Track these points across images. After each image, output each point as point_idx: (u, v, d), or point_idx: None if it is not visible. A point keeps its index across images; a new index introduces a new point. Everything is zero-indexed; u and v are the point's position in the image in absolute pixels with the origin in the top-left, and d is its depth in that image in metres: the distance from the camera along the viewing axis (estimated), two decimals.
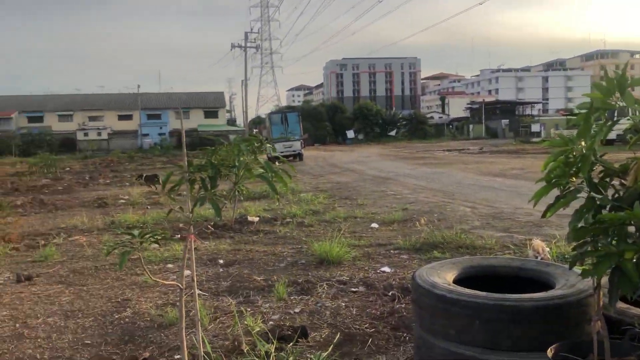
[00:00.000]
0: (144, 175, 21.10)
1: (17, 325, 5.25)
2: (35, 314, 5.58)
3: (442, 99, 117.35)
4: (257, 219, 10.91)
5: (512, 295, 3.15)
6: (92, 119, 69.66)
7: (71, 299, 6.08)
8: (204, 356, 3.84)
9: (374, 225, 9.99)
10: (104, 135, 67.11)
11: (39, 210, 14.24)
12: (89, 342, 4.79)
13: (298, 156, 35.13)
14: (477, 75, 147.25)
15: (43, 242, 9.40)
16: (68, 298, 6.13)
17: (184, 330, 3.73)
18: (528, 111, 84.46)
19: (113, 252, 3.47)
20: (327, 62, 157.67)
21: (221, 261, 7.59)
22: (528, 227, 9.26)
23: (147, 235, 3.57)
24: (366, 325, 4.84)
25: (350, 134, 75.84)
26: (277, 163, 4.38)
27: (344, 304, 5.47)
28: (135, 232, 3.50)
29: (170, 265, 7.47)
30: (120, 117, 70.44)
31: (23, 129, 64.83)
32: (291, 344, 4.30)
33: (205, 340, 4.07)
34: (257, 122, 77.16)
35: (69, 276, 7.14)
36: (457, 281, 3.62)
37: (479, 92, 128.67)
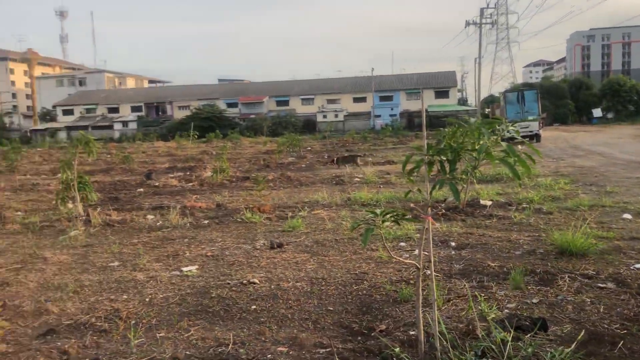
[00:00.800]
0: (337, 157, 22.10)
1: (272, 286, 5.97)
2: (286, 278, 6.27)
3: None
4: (490, 202, 10.59)
5: None
6: (330, 101, 74.58)
7: (315, 268, 6.69)
8: (438, 336, 3.91)
9: (627, 216, 8.93)
10: (340, 117, 71.32)
11: (286, 185, 15.86)
12: (331, 308, 5.23)
13: (535, 137, 32.81)
14: None
15: (290, 214, 10.46)
16: (313, 266, 6.76)
17: (420, 308, 3.85)
18: None
19: (355, 229, 3.71)
20: (572, 34, 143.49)
21: (453, 244, 7.58)
22: None
23: (388, 215, 3.75)
24: (616, 326, 4.40)
25: (597, 112, 68.29)
26: (520, 146, 4.21)
27: (589, 300, 5.04)
28: (378, 211, 3.71)
29: (402, 244, 7.71)
30: (355, 100, 74.06)
31: (272, 111, 72.34)
32: (529, 335, 4.12)
33: (440, 321, 4.14)
34: (490, 101, 73.92)
35: (313, 246, 7.86)
36: None
37: None
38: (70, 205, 11.67)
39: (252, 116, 70.18)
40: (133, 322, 5.05)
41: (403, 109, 70.97)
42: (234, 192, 14.62)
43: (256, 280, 6.16)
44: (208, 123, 62.59)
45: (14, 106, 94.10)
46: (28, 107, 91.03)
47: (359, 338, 4.48)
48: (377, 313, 5.04)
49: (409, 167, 4.03)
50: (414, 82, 73.73)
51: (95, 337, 4.74)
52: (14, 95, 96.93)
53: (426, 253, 4.33)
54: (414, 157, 4.09)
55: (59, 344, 4.59)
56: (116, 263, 7.36)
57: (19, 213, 12.10)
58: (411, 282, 5.80)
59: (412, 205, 10.35)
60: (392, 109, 71.30)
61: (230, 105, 73.33)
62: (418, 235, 7.96)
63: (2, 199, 15.15)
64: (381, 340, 4.25)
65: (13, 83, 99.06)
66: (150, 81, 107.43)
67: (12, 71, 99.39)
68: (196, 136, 44.20)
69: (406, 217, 3.84)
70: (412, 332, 4.40)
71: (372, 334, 4.51)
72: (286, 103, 75.29)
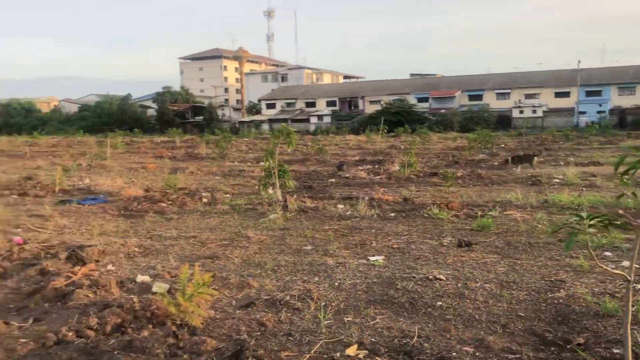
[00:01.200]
0: (512, 157, 20.37)
1: (459, 285, 5.84)
2: (474, 278, 6.09)
3: None
4: None
5: None
6: (527, 96, 70.16)
7: (506, 270, 6.38)
8: None
9: None
10: (539, 113, 66.77)
11: (476, 183, 15.33)
12: (522, 314, 4.95)
13: None
14: None
15: (480, 213, 10.09)
16: (503, 269, 6.45)
17: (629, 325, 3.47)
18: None
19: (555, 232, 3.46)
20: None
21: None
22: None
23: (596, 219, 3.43)
24: None
25: None
26: None
27: None
28: (584, 214, 3.41)
29: (608, 253, 6.98)
30: (557, 95, 68.63)
31: (464, 106, 70.39)
32: None
33: None
34: None
35: (503, 248, 7.50)
36: None
37: None
38: (270, 190, 12.69)
39: (443, 111, 69.05)
40: (323, 303, 5.33)
41: (613, 105, 63.97)
42: (420, 187, 14.56)
43: (442, 277, 6.08)
44: (397, 118, 63.13)
45: (226, 100, 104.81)
46: (237, 100, 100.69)
47: (553, 349, 4.18)
48: (575, 325, 4.65)
49: (622, 168, 3.63)
50: (628, 76, 65.92)
51: (289, 314, 5.10)
52: (226, 90, 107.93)
53: (637, 265, 3.88)
54: (629, 157, 3.67)
55: (257, 316, 5.03)
56: (309, 247, 7.84)
57: (227, 195, 13.49)
58: (617, 295, 5.24)
59: (620, 211, 9.31)
60: (600, 105, 64.74)
61: (420, 100, 73.02)
62: (627, 245, 7.16)
63: (214, 182, 17.05)
64: (579, 354, 3.92)
65: (225, 79, 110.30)
66: (345, 77, 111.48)
67: (225, 68, 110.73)
68: (385, 130, 44.90)
69: (616, 223, 3.47)
70: (616, 350, 3.98)
71: (568, 346, 4.18)
72: (479, 97, 72.62)
